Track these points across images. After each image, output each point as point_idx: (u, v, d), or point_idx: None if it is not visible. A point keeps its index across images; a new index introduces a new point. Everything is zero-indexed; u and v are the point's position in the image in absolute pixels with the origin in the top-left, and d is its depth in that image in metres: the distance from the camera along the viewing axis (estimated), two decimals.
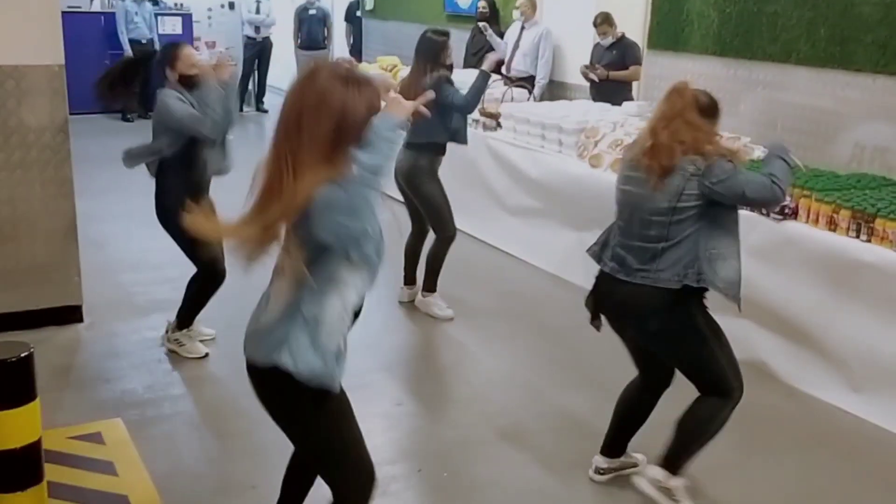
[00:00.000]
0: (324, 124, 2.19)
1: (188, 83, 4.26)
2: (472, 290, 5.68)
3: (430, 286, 5.26)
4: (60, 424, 3.71)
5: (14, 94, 4.53)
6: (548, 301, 5.62)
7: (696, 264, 3.13)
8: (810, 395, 4.32)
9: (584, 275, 5.73)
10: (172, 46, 4.39)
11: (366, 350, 4.38)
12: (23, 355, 2.68)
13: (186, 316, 4.58)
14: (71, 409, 3.92)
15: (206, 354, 4.54)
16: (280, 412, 2.40)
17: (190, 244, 4.12)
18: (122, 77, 4.47)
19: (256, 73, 12.65)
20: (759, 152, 5.45)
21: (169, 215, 4.27)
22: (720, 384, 3.24)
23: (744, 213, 4.53)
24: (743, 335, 4.64)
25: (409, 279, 5.39)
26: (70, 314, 4.86)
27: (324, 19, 12.49)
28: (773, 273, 4.45)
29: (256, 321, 2.38)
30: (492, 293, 5.69)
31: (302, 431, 2.41)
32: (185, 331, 4.60)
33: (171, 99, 4.25)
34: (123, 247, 6.35)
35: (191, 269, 5.90)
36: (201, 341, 4.62)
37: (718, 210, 3.12)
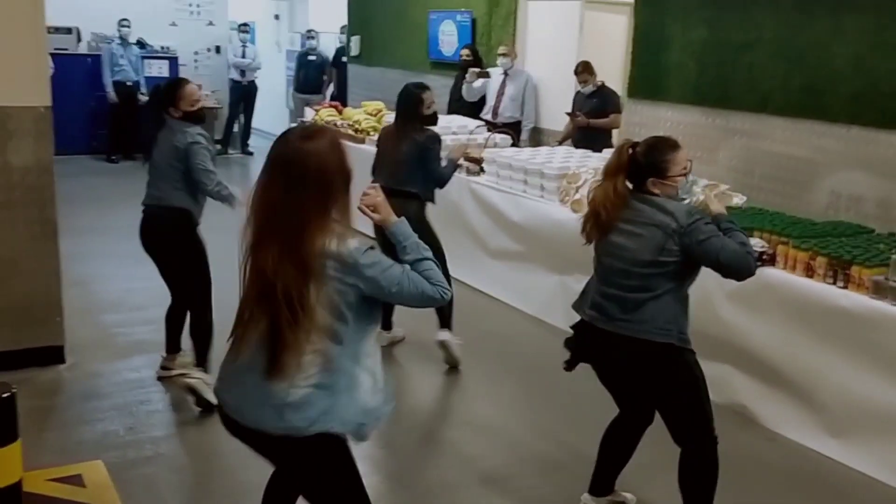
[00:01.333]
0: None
1: (191, 119, 4.32)
2: (454, 332, 5.69)
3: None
4: (41, 466, 3.68)
5: (0, 135, 4.56)
6: (529, 343, 5.65)
7: (678, 321, 3.19)
8: (791, 439, 4.35)
9: (565, 317, 5.77)
10: (175, 84, 4.46)
11: None
12: (4, 396, 2.69)
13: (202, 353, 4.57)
14: (51, 451, 3.89)
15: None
16: (317, 477, 2.47)
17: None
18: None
19: (242, 115, 12.75)
20: (737, 199, 5.56)
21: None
22: (704, 431, 3.26)
23: None
24: (723, 379, 4.70)
25: (386, 324, 5.36)
26: (51, 355, 4.84)
27: (321, 66, 12.68)
28: (752, 318, 4.52)
29: (258, 390, 2.36)
30: (473, 335, 5.70)
31: (333, 490, 2.48)
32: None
33: (203, 145, 4.37)
34: (105, 287, 6.34)
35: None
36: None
37: (689, 269, 3.19)
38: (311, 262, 2.26)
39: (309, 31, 12.94)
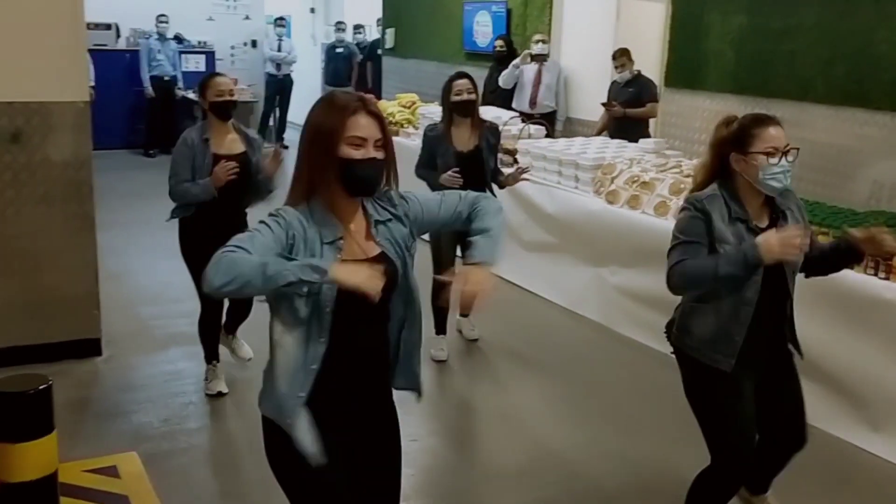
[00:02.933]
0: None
1: (218, 111, 4.32)
2: (487, 324, 5.67)
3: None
4: (76, 457, 3.72)
5: (40, 130, 4.62)
6: (563, 336, 5.60)
7: (680, 319, 3.02)
8: (831, 434, 4.25)
9: (600, 310, 5.78)
10: (206, 76, 4.51)
11: None
12: (41, 388, 2.71)
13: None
14: (87, 442, 3.94)
15: (219, 394, 4.51)
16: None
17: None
18: None
19: (277, 109, 12.82)
20: None
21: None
22: (715, 456, 3.03)
23: None
24: None
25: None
26: (88, 347, 4.90)
27: (349, 57, 12.73)
28: None
29: None
30: (507, 328, 5.68)
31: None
32: (210, 365, 4.61)
33: (178, 147, 4.31)
34: (143, 280, 6.41)
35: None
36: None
37: None
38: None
39: (338, 23, 12.98)
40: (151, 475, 3.68)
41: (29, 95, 4.56)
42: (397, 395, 2.44)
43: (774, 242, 2.66)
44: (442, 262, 4.78)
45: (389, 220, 2.33)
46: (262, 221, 2.22)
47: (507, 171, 5.32)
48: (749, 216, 2.85)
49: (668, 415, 4.52)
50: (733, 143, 2.85)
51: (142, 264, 6.74)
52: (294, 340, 2.21)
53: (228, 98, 4.34)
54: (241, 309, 4.71)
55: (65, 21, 4.58)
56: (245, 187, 4.32)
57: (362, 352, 2.29)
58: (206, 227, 4.20)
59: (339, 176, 2.20)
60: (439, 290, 2.58)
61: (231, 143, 4.37)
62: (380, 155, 2.23)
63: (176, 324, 5.49)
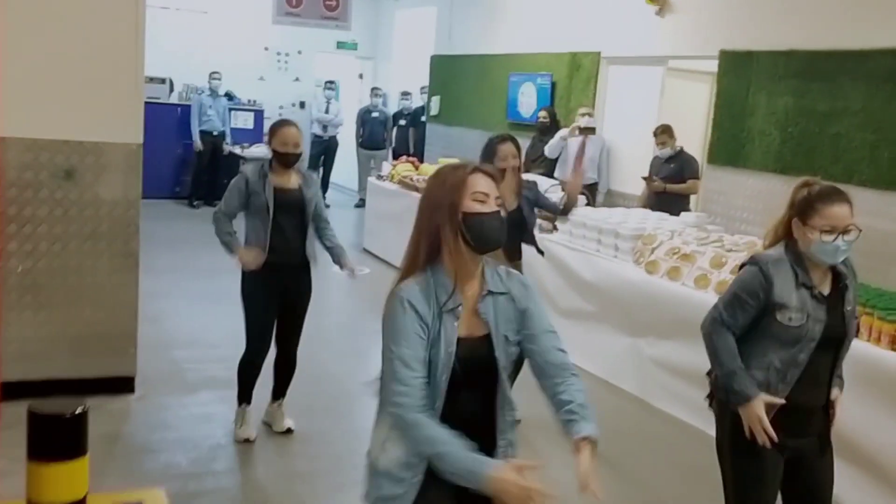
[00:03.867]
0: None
1: (280, 160, 4.41)
2: (520, 392, 5.61)
3: None
4: (103, 490, 3.70)
5: (93, 169, 4.74)
6: (599, 407, 5.50)
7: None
8: None
9: (636, 381, 5.69)
10: (277, 122, 4.59)
11: None
12: (76, 412, 2.71)
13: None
14: (114, 477, 3.93)
15: (247, 440, 4.48)
16: None
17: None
18: None
19: (322, 169, 13.04)
20: None
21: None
22: None
23: None
24: None
25: None
26: (122, 385, 4.93)
27: (385, 122, 12.99)
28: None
29: None
30: (541, 399, 5.60)
31: None
32: (242, 406, 4.61)
33: (235, 179, 4.47)
34: (180, 324, 6.46)
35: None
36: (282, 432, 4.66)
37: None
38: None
39: (374, 88, 13.29)
40: None
41: (84, 135, 4.69)
42: None
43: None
44: None
45: (503, 293, 2.33)
46: (396, 310, 2.21)
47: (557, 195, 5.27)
48: (813, 283, 2.83)
49: (701, 494, 4.42)
50: (798, 209, 2.86)
51: (180, 309, 6.81)
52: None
53: (292, 151, 4.39)
54: (287, 365, 4.66)
55: (126, 67, 4.72)
56: (301, 223, 4.43)
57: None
58: (269, 273, 4.38)
59: (465, 230, 2.23)
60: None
61: (288, 179, 4.45)
62: (502, 211, 2.29)
63: (210, 368, 5.52)
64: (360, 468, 3.51)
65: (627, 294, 5.79)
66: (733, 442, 2.92)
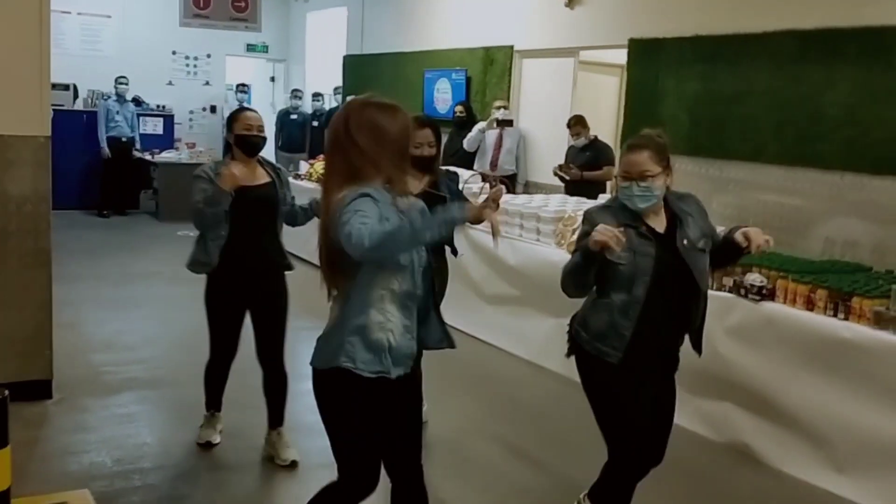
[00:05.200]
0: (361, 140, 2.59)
1: (244, 145, 3.99)
2: (450, 380, 5.62)
3: None
4: (25, 496, 3.54)
5: None
6: (527, 388, 5.56)
7: (581, 313, 3.19)
8: (795, 476, 4.26)
9: (563, 362, 5.73)
10: (236, 110, 4.25)
11: None
12: None
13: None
14: (36, 481, 3.76)
15: (208, 444, 4.26)
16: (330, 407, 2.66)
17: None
18: None
19: None
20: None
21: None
22: (611, 449, 3.17)
23: (721, 295, 4.64)
24: (725, 417, 4.64)
25: None
26: (38, 389, 4.73)
27: (303, 124, 12.82)
28: (752, 354, 4.47)
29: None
30: (471, 381, 5.63)
31: (339, 422, 2.65)
32: (210, 412, 4.35)
33: (194, 181, 3.97)
34: (95, 329, 6.25)
35: (165, 348, 5.88)
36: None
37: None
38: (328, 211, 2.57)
39: (294, 90, 13.10)
40: None
41: None
42: None
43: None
44: None
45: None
46: (358, 205, 2.47)
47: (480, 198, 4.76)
48: (640, 222, 3.03)
49: None
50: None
51: (94, 315, 6.59)
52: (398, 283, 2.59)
53: (257, 133, 3.99)
54: (277, 382, 4.14)
55: (29, 54, 4.53)
56: (271, 223, 4.08)
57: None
58: (233, 278, 4.00)
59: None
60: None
61: (256, 175, 4.03)
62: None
63: (129, 370, 5.35)
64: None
65: (551, 276, 5.77)
66: (591, 381, 3.15)
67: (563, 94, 8.60)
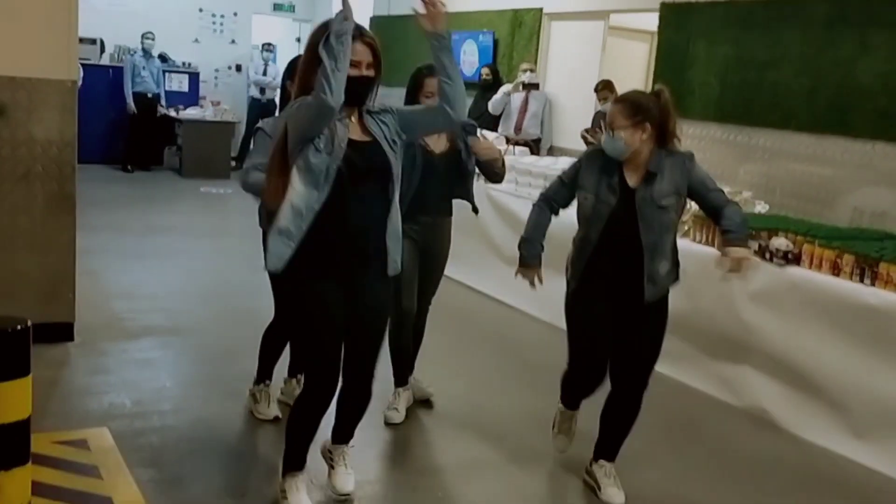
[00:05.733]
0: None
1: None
2: (470, 341, 5.62)
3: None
4: (46, 430, 3.59)
5: (25, 106, 4.54)
6: (546, 350, 5.54)
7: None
8: (813, 442, 4.24)
9: None
10: (296, 58, 3.89)
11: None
12: (18, 328, 2.62)
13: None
14: (57, 418, 3.80)
15: (276, 418, 4.00)
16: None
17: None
18: None
19: None
20: (759, 207, 5.50)
21: None
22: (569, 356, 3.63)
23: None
24: (744, 382, 4.61)
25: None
26: (61, 331, 4.76)
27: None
28: (774, 319, 4.43)
29: None
30: (490, 344, 5.63)
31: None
32: (261, 385, 4.12)
33: (258, 134, 3.80)
34: (118, 278, 6.29)
35: (185, 298, 5.91)
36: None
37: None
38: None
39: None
40: (123, 450, 3.55)
41: (16, 70, 4.49)
42: None
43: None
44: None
45: (379, 113, 3.01)
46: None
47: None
48: (618, 174, 3.33)
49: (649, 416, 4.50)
50: None
51: (116, 265, 6.62)
52: (305, 182, 2.87)
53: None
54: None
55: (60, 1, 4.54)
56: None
57: (355, 212, 2.94)
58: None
59: None
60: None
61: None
62: (370, 73, 2.97)
63: (150, 317, 5.39)
64: None
65: (571, 236, 5.80)
66: (567, 303, 3.61)
67: (592, 59, 8.49)
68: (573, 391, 3.70)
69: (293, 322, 3.33)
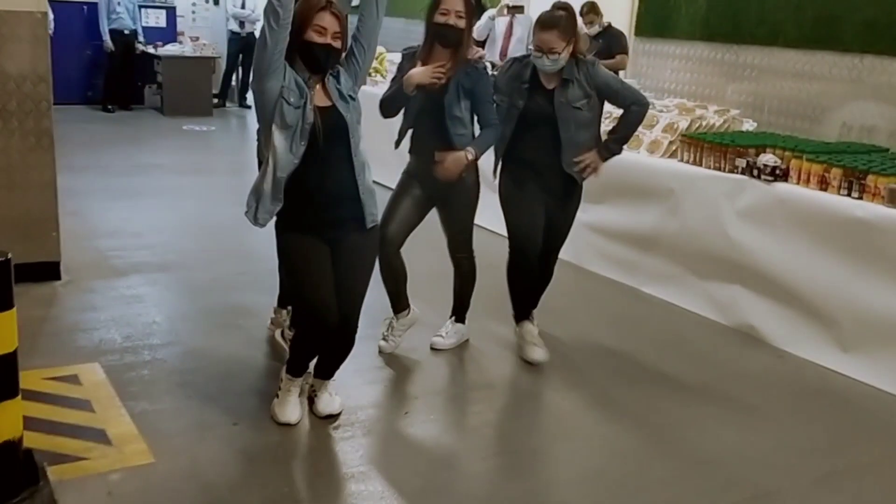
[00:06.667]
0: None
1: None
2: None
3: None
4: (37, 367, 3.59)
5: None
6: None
7: None
8: (800, 356, 4.28)
9: (573, 249, 5.69)
10: None
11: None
12: (0, 260, 2.58)
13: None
14: (46, 355, 3.80)
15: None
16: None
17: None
18: None
19: (241, 68, 12.57)
20: (747, 125, 5.46)
21: None
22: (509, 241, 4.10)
23: (732, 176, 4.58)
24: (731, 300, 4.63)
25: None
26: (47, 271, 4.73)
27: None
28: (763, 235, 4.43)
29: None
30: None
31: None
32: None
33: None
34: (102, 217, 6.23)
35: (172, 235, 5.87)
36: None
37: None
38: None
39: None
40: (114, 384, 3.56)
41: None
42: None
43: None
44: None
45: (335, 74, 3.15)
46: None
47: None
48: (530, 80, 3.87)
49: (631, 338, 4.54)
50: None
51: (100, 205, 6.55)
52: (283, 138, 3.04)
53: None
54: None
55: None
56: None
57: (326, 176, 3.12)
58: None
59: (301, 53, 3.05)
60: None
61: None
62: (337, 44, 3.06)
63: (137, 255, 5.35)
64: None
65: None
66: (500, 186, 4.07)
67: None
68: (522, 278, 4.11)
69: (284, 270, 3.66)
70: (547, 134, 3.84)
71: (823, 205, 4.14)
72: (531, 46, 3.85)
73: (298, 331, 3.43)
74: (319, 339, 3.26)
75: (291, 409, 3.35)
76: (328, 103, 3.12)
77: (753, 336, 4.50)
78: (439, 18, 3.75)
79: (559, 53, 3.72)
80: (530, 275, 4.10)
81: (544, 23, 3.78)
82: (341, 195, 3.16)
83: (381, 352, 4.10)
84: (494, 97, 3.87)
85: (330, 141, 3.09)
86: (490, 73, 4.08)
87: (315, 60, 3.05)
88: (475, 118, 3.89)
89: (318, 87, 3.11)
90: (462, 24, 3.75)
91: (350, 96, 3.16)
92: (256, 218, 3.14)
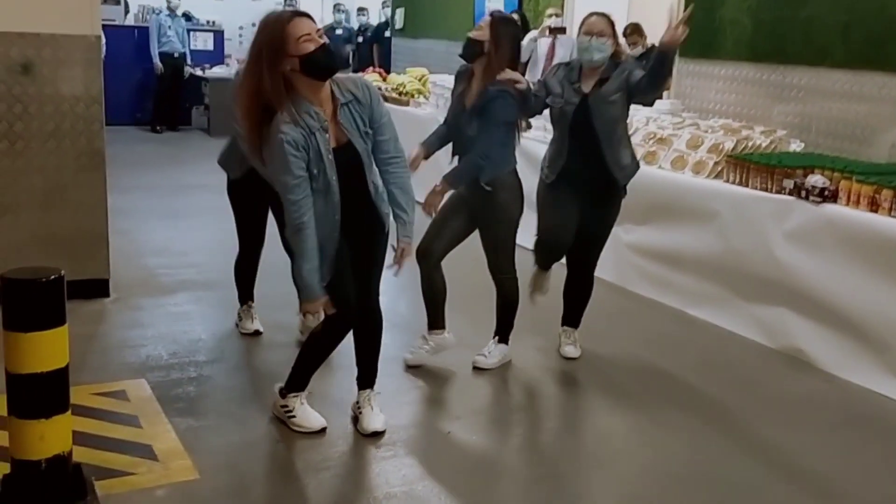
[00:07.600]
0: None
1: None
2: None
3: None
4: (85, 383, 3.65)
5: (50, 62, 4.55)
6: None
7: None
8: (849, 381, 4.19)
9: (616, 270, 5.67)
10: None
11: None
12: (52, 278, 2.64)
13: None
14: (95, 371, 3.87)
15: (256, 332, 4.46)
16: None
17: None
18: None
19: None
20: (794, 146, 5.39)
21: None
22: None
23: (779, 197, 4.52)
24: (779, 322, 4.56)
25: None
26: (96, 288, 4.82)
27: (349, 39, 12.67)
28: (811, 257, 4.36)
29: None
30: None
31: None
32: (244, 306, 4.52)
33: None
34: (150, 236, 6.34)
35: (217, 254, 5.94)
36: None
37: None
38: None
39: (336, 4, 12.90)
40: (161, 400, 3.61)
41: (40, 27, 4.49)
42: None
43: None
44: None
45: (351, 101, 3.06)
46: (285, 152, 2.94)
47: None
48: (577, 80, 4.00)
49: (671, 357, 4.48)
50: None
51: (147, 224, 6.67)
52: (322, 202, 3.06)
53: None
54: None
55: None
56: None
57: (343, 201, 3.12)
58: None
59: (304, 68, 2.91)
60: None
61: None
62: (325, 40, 2.97)
63: (183, 273, 5.44)
64: (341, 354, 3.51)
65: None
66: (539, 191, 4.20)
67: (620, 2, 8.32)
68: (543, 257, 4.29)
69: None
70: (588, 140, 3.96)
71: (874, 227, 4.07)
72: (580, 35, 3.98)
73: (310, 338, 3.47)
74: (343, 327, 3.32)
75: (313, 415, 3.43)
76: (343, 139, 3.08)
77: (801, 360, 4.42)
78: (471, 33, 3.97)
79: (606, 39, 3.88)
80: (554, 258, 4.28)
81: (593, 13, 4.02)
82: (359, 217, 3.20)
83: (406, 364, 4.11)
84: (547, 99, 4.04)
85: (343, 177, 3.07)
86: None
87: (322, 67, 2.96)
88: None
89: (330, 121, 3.02)
90: (482, 36, 3.82)
91: (367, 132, 3.11)
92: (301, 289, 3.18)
